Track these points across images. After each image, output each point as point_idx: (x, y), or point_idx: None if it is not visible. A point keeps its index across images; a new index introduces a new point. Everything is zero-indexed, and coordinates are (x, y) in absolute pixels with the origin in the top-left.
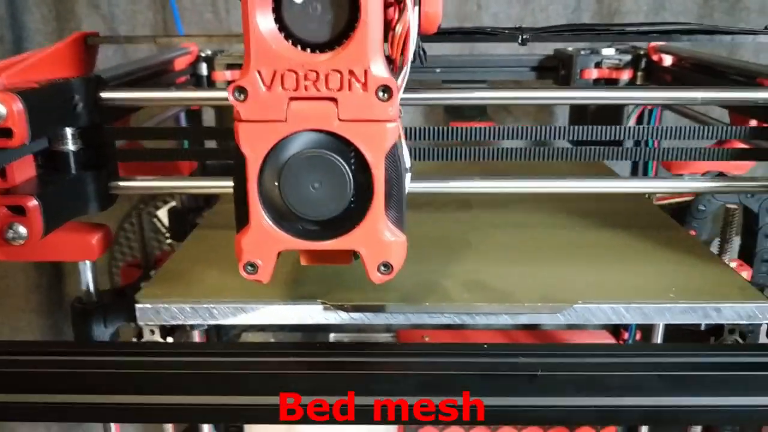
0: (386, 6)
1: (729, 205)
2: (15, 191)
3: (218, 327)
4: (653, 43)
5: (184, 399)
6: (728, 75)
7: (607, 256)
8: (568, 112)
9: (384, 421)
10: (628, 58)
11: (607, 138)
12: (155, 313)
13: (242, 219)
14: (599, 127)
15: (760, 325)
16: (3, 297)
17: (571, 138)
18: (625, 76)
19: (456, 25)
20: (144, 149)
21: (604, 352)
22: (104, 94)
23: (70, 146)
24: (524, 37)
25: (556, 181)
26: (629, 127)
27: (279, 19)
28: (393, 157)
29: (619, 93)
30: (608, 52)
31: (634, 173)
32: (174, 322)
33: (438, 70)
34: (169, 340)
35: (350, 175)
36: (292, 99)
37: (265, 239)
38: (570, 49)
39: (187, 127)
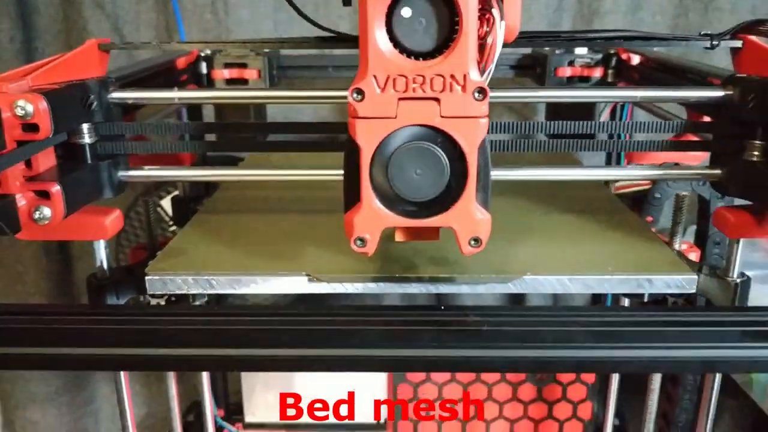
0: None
1: (679, 193)
2: (40, 178)
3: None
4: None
5: (184, 351)
6: (686, 74)
7: (558, 235)
8: (544, 107)
9: (356, 368)
10: (599, 57)
11: (579, 131)
12: (162, 284)
13: (352, 200)
14: (567, 122)
15: (694, 294)
16: (15, 283)
17: (546, 132)
18: (597, 74)
19: None
20: (148, 143)
21: (542, 312)
22: (115, 94)
23: (87, 139)
24: None
25: (527, 170)
26: (596, 122)
27: (390, 32)
28: (483, 148)
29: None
30: (581, 51)
31: (608, 164)
32: (179, 292)
33: None
34: None
35: (447, 163)
36: (401, 99)
37: (373, 217)
38: (546, 49)
39: (187, 123)
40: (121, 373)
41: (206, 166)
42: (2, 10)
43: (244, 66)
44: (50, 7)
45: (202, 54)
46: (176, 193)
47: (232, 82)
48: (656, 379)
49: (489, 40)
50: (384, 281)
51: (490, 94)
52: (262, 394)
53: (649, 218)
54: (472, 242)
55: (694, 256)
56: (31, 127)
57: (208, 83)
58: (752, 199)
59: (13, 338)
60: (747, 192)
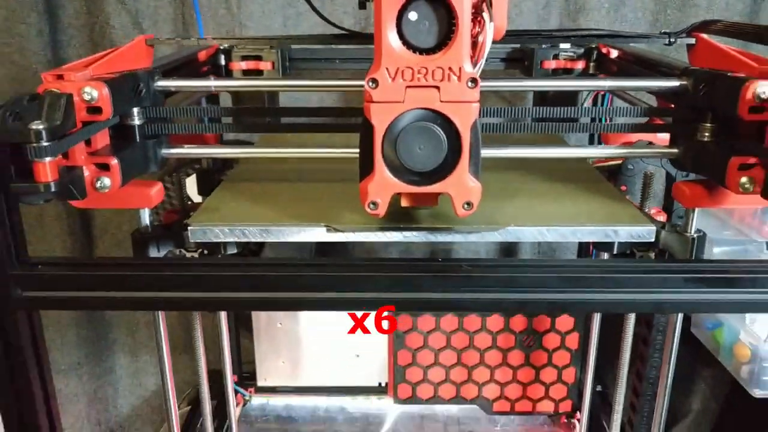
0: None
1: (648, 171)
2: (100, 153)
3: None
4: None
5: (210, 294)
6: (656, 67)
7: (540, 195)
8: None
9: (361, 308)
10: (581, 51)
11: (559, 116)
12: (202, 233)
13: (366, 170)
14: (550, 108)
15: (654, 243)
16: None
17: (534, 116)
18: (579, 66)
19: None
20: (187, 125)
21: (523, 262)
22: (160, 83)
23: (136, 121)
24: None
25: (515, 148)
26: (573, 108)
27: (400, 32)
28: (475, 128)
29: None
30: (565, 45)
31: (590, 143)
32: (216, 240)
33: None
34: None
35: (445, 140)
36: (408, 87)
37: (384, 185)
38: (533, 44)
39: (223, 107)
40: (159, 316)
41: (230, 144)
42: (30, 5)
43: (259, 58)
44: (75, 2)
45: (221, 47)
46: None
47: (248, 73)
48: (627, 342)
49: (480, 38)
50: (390, 231)
51: (483, 83)
52: (273, 361)
53: (623, 187)
54: (465, 206)
55: (661, 218)
56: (95, 110)
57: (226, 74)
58: (703, 173)
59: (80, 284)
60: (699, 168)
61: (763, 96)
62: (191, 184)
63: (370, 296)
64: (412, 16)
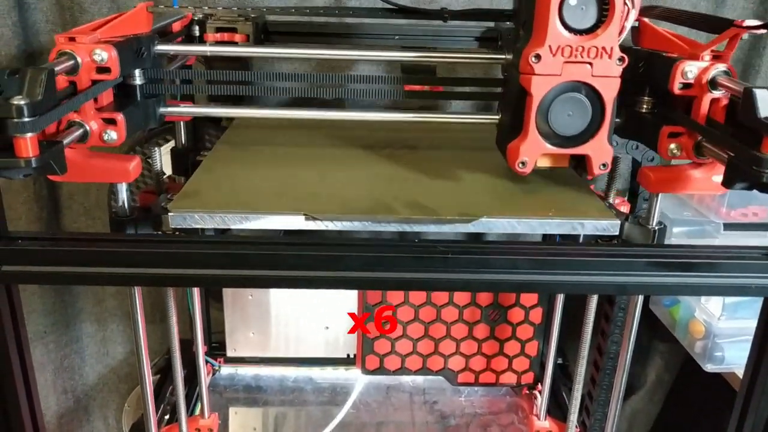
0: None
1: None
2: (107, 109)
3: None
4: None
5: (181, 271)
6: None
7: (510, 187)
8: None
9: (338, 287)
10: None
11: None
12: (182, 219)
13: (516, 134)
14: None
15: (617, 235)
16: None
17: None
18: None
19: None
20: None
21: (494, 245)
22: (160, 47)
23: (138, 81)
24: (445, 15)
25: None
26: None
27: (560, 16)
28: (615, 99)
29: None
30: None
31: None
32: (196, 226)
33: (396, 37)
34: None
35: (590, 108)
36: (565, 62)
37: (534, 145)
38: (507, 24)
39: (217, 71)
40: (135, 290)
41: (223, 104)
42: None
43: (234, 30)
44: None
45: (195, 18)
46: (172, 145)
47: (222, 45)
48: (590, 317)
49: (626, 24)
50: (368, 221)
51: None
52: (242, 332)
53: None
54: (602, 166)
55: (625, 209)
56: (104, 70)
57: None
58: (640, 140)
59: (59, 259)
60: (637, 135)
61: (689, 74)
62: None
63: (346, 275)
64: (573, 1)
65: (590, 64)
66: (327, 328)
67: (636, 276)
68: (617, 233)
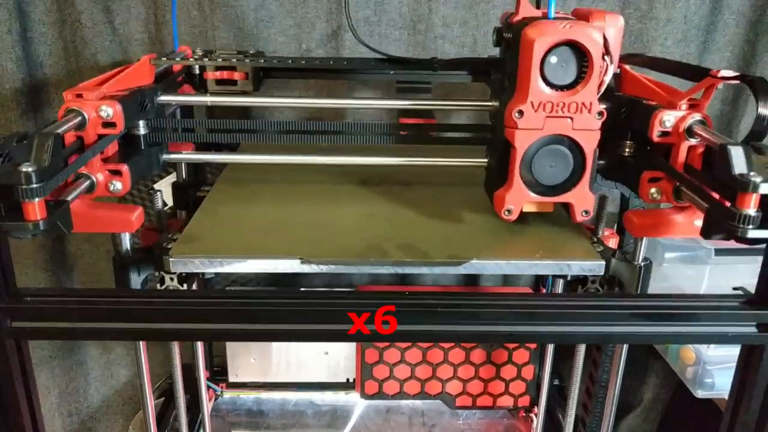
0: None
1: (603, 193)
2: (112, 160)
3: (208, 280)
4: None
5: (187, 325)
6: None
7: (500, 228)
8: None
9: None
10: None
11: None
12: (183, 264)
13: (501, 183)
14: None
15: (603, 275)
16: (13, 255)
17: None
18: None
19: (410, 24)
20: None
21: (482, 297)
22: (162, 98)
23: (141, 131)
24: (436, 65)
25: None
26: None
27: (542, 73)
28: (595, 150)
29: None
30: None
31: None
32: (196, 271)
33: (391, 72)
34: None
35: (572, 160)
36: (547, 117)
37: (519, 194)
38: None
39: (213, 120)
40: (140, 343)
41: (221, 152)
42: (0, 2)
43: (233, 69)
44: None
45: (195, 56)
46: (174, 179)
47: (222, 83)
48: (581, 347)
49: (606, 78)
50: (362, 264)
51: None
52: (244, 358)
53: None
54: (584, 213)
55: (613, 241)
56: (110, 125)
57: (200, 82)
58: (623, 183)
59: (66, 316)
60: (620, 178)
61: (667, 123)
62: (165, 187)
63: (339, 328)
64: (553, 59)
65: (571, 118)
66: (326, 353)
67: (618, 326)
68: (602, 273)
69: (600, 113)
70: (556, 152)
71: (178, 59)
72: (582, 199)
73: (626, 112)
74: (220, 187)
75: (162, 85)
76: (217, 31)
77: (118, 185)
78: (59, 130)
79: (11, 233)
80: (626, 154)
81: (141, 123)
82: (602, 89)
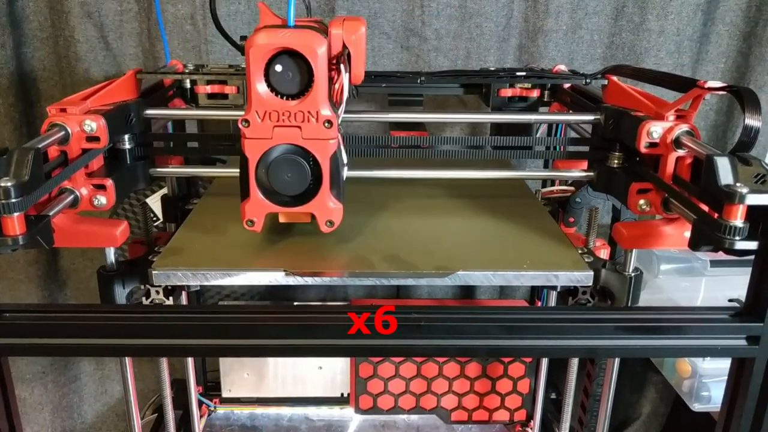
0: (330, 70)
1: (594, 206)
2: (96, 174)
3: (201, 294)
4: (557, 68)
5: (174, 341)
6: (594, 100)
7: (488, 238)
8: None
9: (324, 355)
10: (536, 80)
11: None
12: (166, 277)
13: (245, 193)
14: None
15: (593, 286)
16: (6, 270)
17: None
18: (534, 94)
19: (402, 36)
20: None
21: (466, 311)
22: (149, 111)
23: (127, 145)
24: (421, 79)
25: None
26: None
27: (267, 81)
28: (334, 159)
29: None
30: (521, 74)
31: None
32: (179, 283)
33: (383, 85)
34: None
35: (309, 169)
36: (275, 126)
37: (258, 205)
38: (492, 68)
39: (202, 134)
40: (126, 359)
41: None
42: None
43: (224, 83)
44: (39, 15)
45: (187, 70)
46: (164, 192)
47: (213, 96)
48: (575, 361)
49: (337, 85)
50: (347, 276)
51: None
52: (237, 372)
53: (571, 219)
54: (328, 223)
55: (604, 252)
56: (94, 139)
57: (191, 96)
58: (612, 194)
59: (46, 331)
60: (608, 189)
61: (655, 134)
62: (156, 201)
63: (329, 343)
64: (278, 67)
65: (299, 127)
66: (320, 368)
67: (607, 339)
68: (590, 284)
69: (329, 122)
70: (289, 161)
71: (165, 73)
72: (324, 210)
73: (613, 124)
74: (207, 200)
75: (150, 99)
76: (210, 46)
77: (102, 200)
78: (42, 144)
79: None
80: (615, 165)
81: (126, 137)
82: (343, 98)
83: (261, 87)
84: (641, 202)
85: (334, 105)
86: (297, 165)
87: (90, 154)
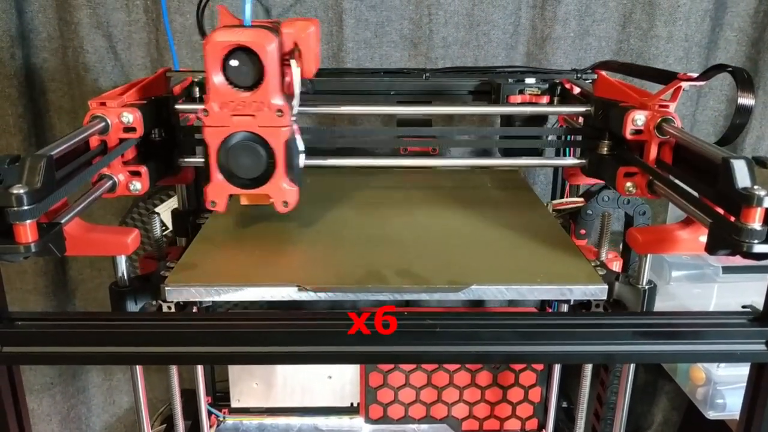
0: (282, 64)
1: (606, 213)
2: (132, 162)
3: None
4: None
5: (186, 349)
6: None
7: (500, 251)
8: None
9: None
10: (545, 86)
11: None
12: (179, 293)
13: (208, 177)
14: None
15: (606, 300)
16: (15, 281)
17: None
18: (544, 100)
19: (410, 44)
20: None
21: (481, 317)
22: (178, 106)
23: (158, 136)
24: (427, 75)
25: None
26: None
27: (225, 74)
28: (288, 145)
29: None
30: (530, 80)
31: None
32: (192, 299)
33: (392, 93)
34: None
35: (265, 154)
36: (233, 115)
37: (220, 188)
38: (500, 77)
39: None
40: (137, 367)
41: None
42: (3, 29)
43: None
44: (48, 26)
45: (195, 80)
46: (174, 205)
47: None
48: (588, 368)
49: (287, 79)
50: (360, 291)
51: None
52: (246, 382)
53: (582, 231)
54: (284, 204)
55: (617, 264)
56: (131, 129)
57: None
58: (602, 179)
59: (58, 340)
60: (599, 174)
61: (639, 122)
62: (165, 212)
63: (340, 350)
64: (234, 62)
65: (254, 116)
66: (330, 377)
67: (622, 345)
68: (605, 298)
69: (280, 111)
70: (246, 147)
71: (194, 72)
72: (279, 191)
73: (602, 114)
74: (218, 215)
75: (179, 96)
76: None
77: (137, 185)
78: (85, 134)
79: (2, 256)
80: (605, 152)
81: (157, 129)
82: (295, 91)
83: (218, 79)
84: (628, 184)
85: (288, 96)
86: (253, 150)
87: (127, 143)
